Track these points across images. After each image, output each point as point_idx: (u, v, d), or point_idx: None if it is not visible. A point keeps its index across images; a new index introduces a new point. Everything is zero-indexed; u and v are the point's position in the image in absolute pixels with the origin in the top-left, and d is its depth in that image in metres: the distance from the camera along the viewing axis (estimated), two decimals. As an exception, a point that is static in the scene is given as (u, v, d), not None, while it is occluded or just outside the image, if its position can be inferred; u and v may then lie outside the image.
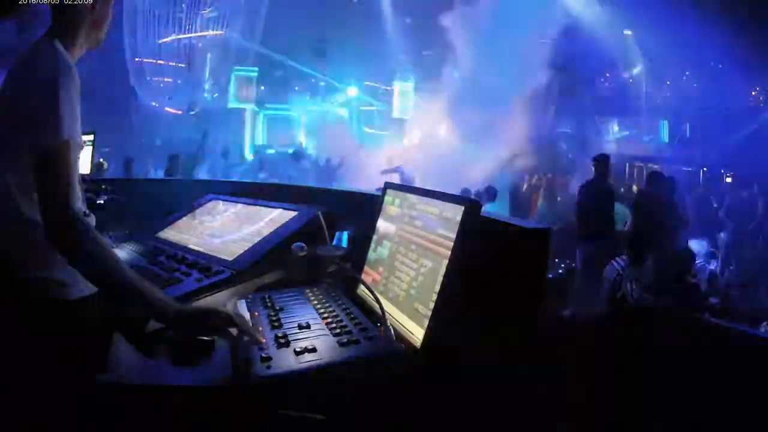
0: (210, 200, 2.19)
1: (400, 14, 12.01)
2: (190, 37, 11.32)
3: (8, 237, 1.20)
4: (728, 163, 13.45)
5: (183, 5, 10.96)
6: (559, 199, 9.68)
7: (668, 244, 5.82)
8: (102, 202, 2.15)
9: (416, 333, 1.10)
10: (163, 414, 0.96)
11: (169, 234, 2.00)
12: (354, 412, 0.96)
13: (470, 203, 1.12)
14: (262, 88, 14.07)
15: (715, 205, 9.05)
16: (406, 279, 1.22)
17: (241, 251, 1.59)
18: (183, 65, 11.48)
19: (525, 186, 10.26)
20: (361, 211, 1.60)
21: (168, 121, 11.85)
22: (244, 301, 1.34)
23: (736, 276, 7.05)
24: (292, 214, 1.74)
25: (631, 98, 14.38)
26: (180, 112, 11.73)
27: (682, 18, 10.36)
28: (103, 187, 2.26)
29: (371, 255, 1.43)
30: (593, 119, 14.61)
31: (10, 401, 1.11)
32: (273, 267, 1.50)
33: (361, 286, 1.33)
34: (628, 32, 13.20)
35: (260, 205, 1.92)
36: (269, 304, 1.30)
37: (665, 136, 14.59)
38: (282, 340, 1.07)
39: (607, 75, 14.60)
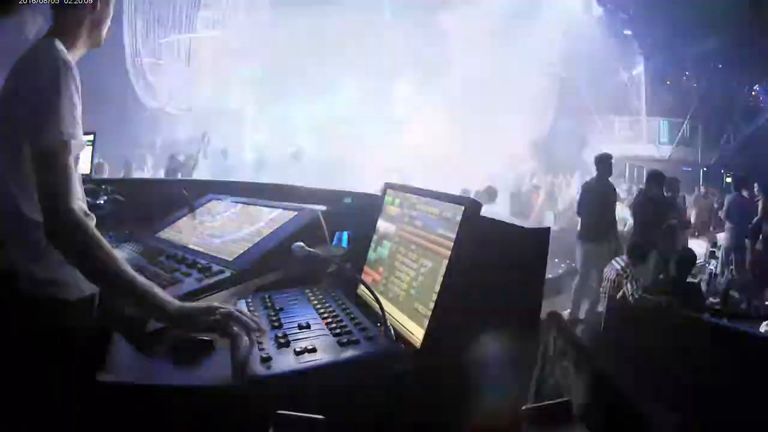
0: (210, 200, 2.19)
1: (400, 14, 12.01)
2: (190, 37, 11.32)
3: (8, 237, 1.20)
4: (728, 163, 13.45)
5: (183, 5, 10.97)
6: (559, 199, 9.68)
7: (668, 245, 5.82)
8: (102, 202, 2.14)
9: (416, 333, 1.10)
10: (163, 414, 0.96)
11: (169, 234, 2.00)
12: (354, 412, 0.96)
13: (470, 203, 1.12)
14: (262, 88, 14.06)
15: (715, 206, 9.06)
16: (406, 279, 1.22)
17: (241, 251, 1.59)
18: (183, 65, 11.48)
19: (525, 186, 10.26)
20: (361, 211, 1.60)
21: (168, 121, 11.86)
22: (244, 301, 1.34)
23: (736, 276, 7.05)
24: (292, 214, 1.74)
25: (631, 98, 14.39)
26: (180, 113, 11.73)
27: (682, 18, 10.36)
28: (103, 187, 2.25)
29: (371, 255, 1.43)
30: (593, 119, 14.62)
31: (10, 401, 1.11)
32: (273, 267, 1.50)
33: (361, 286, 1.33)
34: (627, 32, 13.19)
35: (260, 205, 1.92)
36: (269, 304, 1.30)
37: (665, 136, 14.59)
38: (282, 340, 1.07)
39: (608, 75, 14.60)
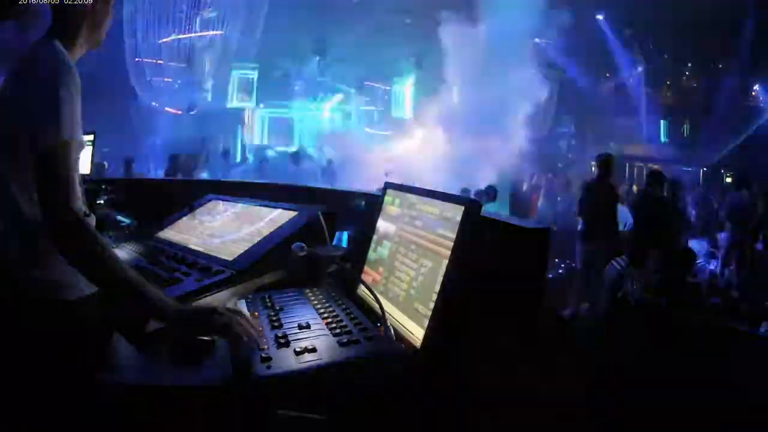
0: (210, 200, 2.19)
1: (401, 14, 12.00)
2: (190, 37, 11.32)
3: (8, 237, 1.20)
4: (728, 163, 13.46)
5: (183, 5, 10.96)
6: (559, 199, 9.68)
7: (668, 244, 5.82)
8: (102, 202, 2.15)
9: (416, 333, 1.10)
10: (163, 414, 0.96)
11: (169, 234, 2.00)
12: (354, 412, 0.96)
13: (470, 203, 1.12)
14: (262, 88, 14.06)
15: (715, 205, 9.06)
16: (406, 279, 1.22)
17: (241, 251, 1.59)
18: (183, 65, 11.48)
19: (525, 186, 10.26)
20: (361, 211, 1.60)
21: (168, 121, 11.85)
22: (244, 301, 1.34)
23: (736, 276, 7.05)
24: (292, 214, 1.74)
25: (631, 98, 14.38)
26: (180, 112, 11.72)
27: (683, 17, 10.36)
28: (103, 187, 2.26)
29: (371, 255, 1.43)
30: (593, 119, 14.62)
31: (10, 401, 1.11)
32: (273, 267, 1.50)
33: (361, 286, 1.33)
34: (627, 32, 13.18)
35: (260, 205, 1.92)
36: (269, 304, 1.30)
37: (665, 136, 14.59)
38: (282, 340, 1.07)
39: (607, 75, 14.60)
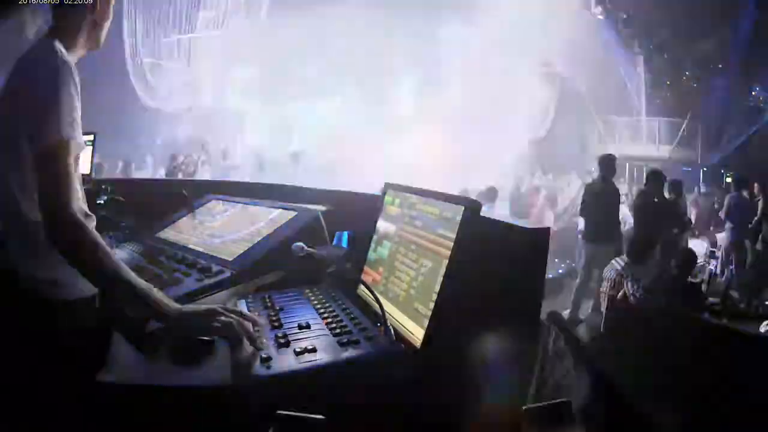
0: (210, 200, 2.19)
1: (401, 14, 12.00)
2: (190, 37, 11.33)
3: (8, 237, 1.20)
4: (728, 163, 13.46)
5: (183, 5, 10.97)
6: (559, 199, 9.68)
7: (668, 245, 5.82)
8: (102, 202, 2.14)
9: (416, 333, 1.10)
10: (163, 414, 0.96)
11: (169, 234, 2.00)
12: (354, 412, 0.96)
13: (470, 203, 1.12)
14: (262, 88, 14.06)
15: (715, 206, 9.07)
16: (406, 279, 1.22)
17: (241, 251, 1.59)
18: (183, 65, 11.49)
19: (525, 186, 10.26)
20: (361, 211, 1.60)
21: (168, 121, 11.86)
22: (244, 301, 1.34)
23: (736, 276, 7.05)
24: (292, 214, 1.74)
25: (631, 98, 14.38)
26: (180, 113, 11.73)
27: (683, 17, 10.36)
28: (103, 187, 2.25)
29: (371, 255, 1.43)
30: (593, 119, 14.62)
31: (10, 401, 1.11)
32: (273, 267, 1.50)
33: (361, 286, 1.33)
34: (626, 32, 13.18)
35: (260, 205, 1.92)
36: (269, 304, 1.30)
37: (665, 136, 14.59)
38: (282, 340, 1.07)
39: (608, 75, 14.60)
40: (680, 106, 14.21)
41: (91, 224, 1.14)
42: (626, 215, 7.01)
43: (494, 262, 1.19)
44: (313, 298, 1.34)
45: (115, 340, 1.14)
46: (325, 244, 1.62)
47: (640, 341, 3.88)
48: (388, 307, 1.19)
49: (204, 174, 8.42)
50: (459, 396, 1.08)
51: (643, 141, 14.50)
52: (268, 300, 1.33)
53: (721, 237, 7.69)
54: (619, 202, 5.96)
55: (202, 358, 1.07)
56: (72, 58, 1.23)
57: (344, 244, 1.72)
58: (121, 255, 1.63)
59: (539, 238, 1.17)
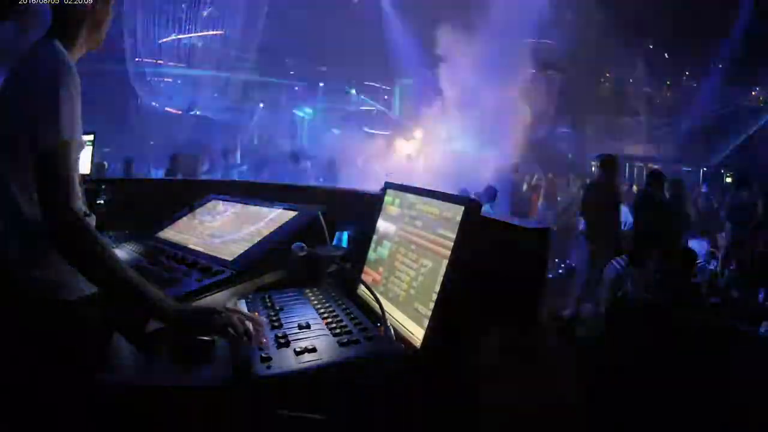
0: (210, 200, 2.19)
1: (401, 14, 12.01)
2: (190, 36, 11.33)
3: (8, 237, 1.20)
4: (728, 163, 13.46)
5: (183, 5, 10.97)
6: (559, 199, 9.68)
7: (669, 244, 5.82)
8: (102, 202, 2.14)
9: (416, 333, 1.10)
10: (163, 414, 0.96)
11: (169, 234, 2.00)
12: (354, 412, 0.96)
13: (470, 203, 1.12)
14: (262, 87, 14.08)
15: (715, 206, 9.06)
16: (406, 279, 1.22)
17: (241, 251, 1.59)
18: (183, 65, 11.49)
19: (525, 186, 10.26)
20: (361, 211, 1.60)
21: (168, 121, 11.85)
22: (244, 301, 1.34)
23: (736, 276, 7.04)
24: (292, 214, 1.74)
25: (631, 98, 14.38)
26: (180, 112, 11.73)
27: (683, 17, 10.36)
28: (103, 187, 2.26)
29: (371, 255, 1.43)
30: (593, 119, 14.62)
31: (10, 401, 1.11)
32: (273, 267, 1.50)
33: (361, 286, 1.33)
34: (626, 33, 13.18)
35: (260, 205, 1.92)
36: (269, 304, 1.30)
37: (665, 136, 14.58)
38: (282, 340, 1.07)
39: (607, 75, 14.60)
40: (680, 106, 14.22)
41: (92, 224, 1.14)
42: (626, 215, 7.01)
43: (494, 262, 1.19)
44: (313, 298, 1.35)
45: (115, 340, 1.14)
46: (325, 244, 1.62)
47: (640, 341, 3.88)
48: (388, 307, 1.19)
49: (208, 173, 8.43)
50: (459, 396, 1.08)
51: (643, 141, 14.49)
52: (268, 300, 1.33)
53: (721, 237, 7.68)
54: (620, 202, 5.95)
55: (202, 358, 1.07)
56: (72, 57, 1.23)
57: (344, 244, 1.72)
58: (121, 255, 1.63)
59: (539, 238, 1.17)
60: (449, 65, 10.29)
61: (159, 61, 11.41)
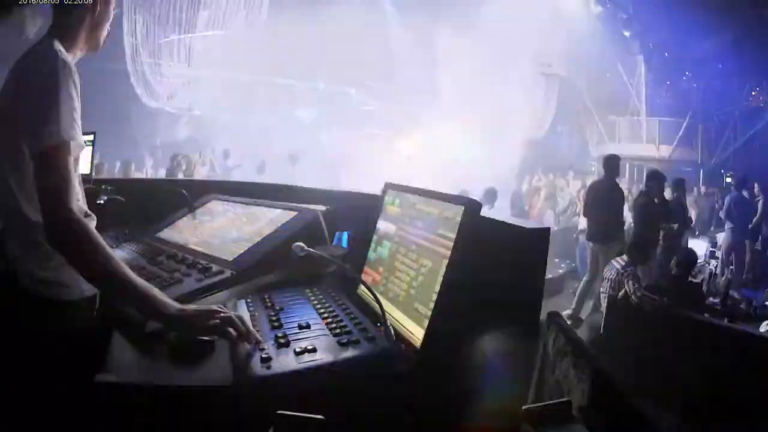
0: (210, 200, 2.19)
1: (401, 14, 12.01)
2: (190, 37, 11.33)
3: (9, 237, 1.20)
4: (728, 163, 13.47)
5: (183, 5, 10.97)
6: (559, 199, 9.68)
7: (669, 244, 5.82)
8: (102, 202, 2.14)
9: (416, 333, 1.10)
10: (162, 414, 0.96)
11: (169, 234, 2.00)
12: (354, 412, 0.96)
13: (470, 203, 1.12)
14: (262, 88, 14.06)
15: (715, 206, 9.07)
16: (406, 279, 1.22)
17: (241, 251, 1.58)
18: (183, 65, 11.48)
19: (525, 186, 10.27)
20: (361, 211, 1.60)
21: (168, 121, 11.85)
22: (244, 301, 1.34)
23: (736, 276, 7.05)
24: (292, 214, 1.74)
25: (631, 98, 14.38)
26: (180, 113, 11.73)
27: (683, 17, 10.36)
28: (103, 187, 2.25)
29: (371, 255, 1.43)
30: (593, 119, 14.62)
31: (10, 401, 1.11)
32: (273, 267, 1.50)
33: (361, 286, 1.33)
34: (627, 33, 13.19)
35: (260, 205, 1.92)
36: (269, 304, 1.30)
37: (665, 136, 14.59)
38: (282, 340, 1.07)
39: (608, 75, 14.60)
40: (680, 106, 14.22)
41: (91, 224, 1.14)
42: (627, 215, 7.01)
43: (494, 262, 1.19)
44: (313, 298, 1.34)
45: (115, 340, 1.14)
46: (325, 244, 1.62)
47: (640, 341, 3.88)
48: (388, 307, 1.19)
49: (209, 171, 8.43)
50: (459, 396, 1.08)
51: (643, 141, 14.50)
52: (268, 300, 1.33)
53: (721, 237, 7.69)
54: (623, 202, 5.95)
55: (202, 358, 1.07)
56: (72, 58, 1.23)
57: (344, 244, 1.72)
58: (121, 255, 1.63)
59: (539, 238, 1.17)
60: (449, 65, 10.29)
61: (159, 61, 11.41)
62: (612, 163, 5.83)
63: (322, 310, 1.25)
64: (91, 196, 1.78)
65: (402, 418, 1.01)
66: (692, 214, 8.52)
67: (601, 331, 4.56)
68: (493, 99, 9.72)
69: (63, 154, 1.13)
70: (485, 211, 1.19)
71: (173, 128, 11.64)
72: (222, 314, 1.10)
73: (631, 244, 4.85)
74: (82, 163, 1.36)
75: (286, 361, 1.00)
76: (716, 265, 7.25)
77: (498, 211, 6.54)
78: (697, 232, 7.96)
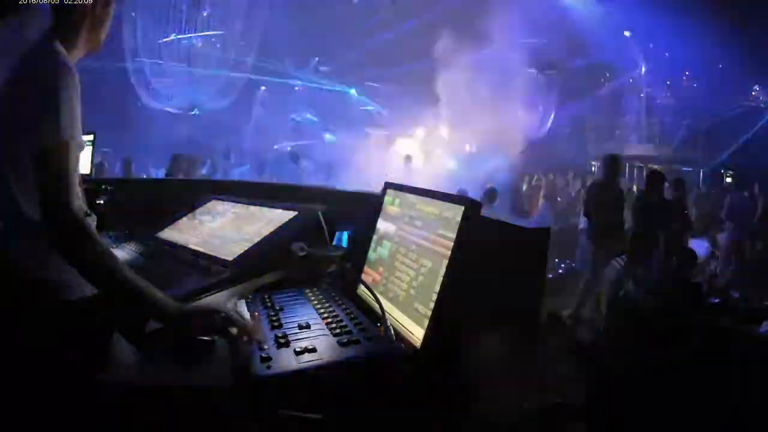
0: (210, 200, 2.19)
1: (401, 15, 12.01)
2: (190, 37, 11.33)
3: (9, 237, 1.20)
4: (728, 163, 13.47)
5: (183, 5, 10.97)
6: (559, 199, 9.69)
7: (669, 244, 5.82)
8: (102, 202, 2.14)
9: (416, 333, 1.10)
10: (163, 414, 0.96)
11: (169, 234, 2.00)
12: (354, 412, 0.96)
13: (470, 203, 1.12)
14: (263, 88, 14.09)
15: (716, 206, 9.06)
16: (406, 279, 1.22)
17: (241, 251, 1.58)
18: (183, 65, 11.49)
19: (525, 186, 10.27)
20: (361, 211, 1.60)
21: (168, 121, 11.86)
22: (244, 301, 1.34)
23: (736, 276, 7.04)
24: (292, 214, 1.74)
25: (631, 98, 14.39)
26: (180, 113, 11.73)
27: (683, 17, 10.36)
28: (103, 187, 2.25)
29: (371, 255, 1.43)
30: (593, 119, 14.62)
31: (10, 401, 1.11)
32: (273, 267, 1.50)
33: (361, 286, 1.33)
34: (627, 33, 13.20)
35: (260, 205, 1.92)
36: (269, 304, 1.30)
37: (665, 136, 14.59)
38: (282, 340, 1.07)
39: (608, 75, 14.61)
40: (680, 106, 14.23)
41: (92, 224, 1.14)
42: (627, 215, 7.01)
43: (494, 262, 1.19)
44: (313, 298, 1.35)
45: (115, 340, 1.14)
46: (325, 244, 1.62)
47: (640, 341, 3.88)
48: (388, 307, 1.19)
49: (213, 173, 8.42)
50: (459, 396, 1.08)
51: (643, 141, 14.50)
52: (268, 300, 1.33)
53: (721, 237, 7.68)
54: (623, 202, 5.95)
55: (202, 358, 1.07)
56: (72, 58, 1.23)
57: (344, 244, 1.72)
58: (121, 255, 1.63)
59: (539, 238, 1.17)
60: (449, 65, 10.29)
61: (159, 61, 11.41)
62: (612, 163, 5.82)
63: (322, 310, 1.25)
64: (91, 196, 1.78)
65: (402, 418, 1.01)
66: (692, 214, 8.52)
67: (601, 331, 4.56)
68: (493, 99, 9.71)
69: (63, 154, 1.13)
70: (485, 211, 1.19)
71: (173, 128, 11.63)
72: (222, 314, 1.10)
73: (631, 244, 4.85)
74: (82, 163, 1.36)
75: (286, 361, 1.00)
76: (716, 265, 7.25)
77: (498, 211, 6.54)
78: (697, 232, 7.96)
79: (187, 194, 2.17)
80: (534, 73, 11.07)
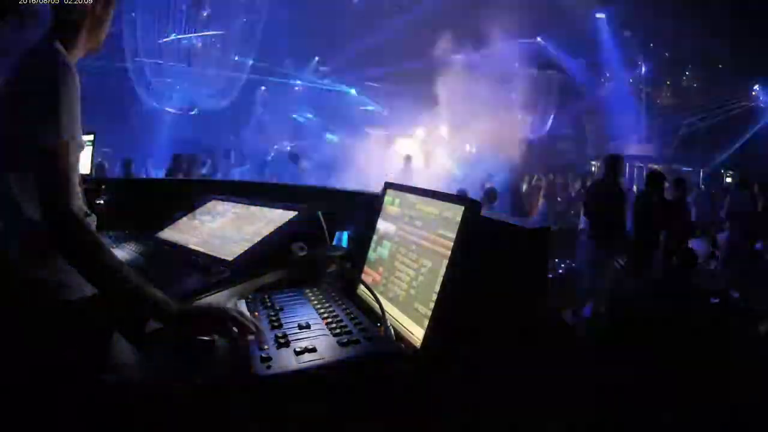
0: (210, 200, 2.19)
1: (401, 15, 12.01)
2: (190, 37, 11.33)
3: (8, 237, 1.20)
4: (728, 163, 13.48)
5: (183, 5, 10.97)
6: (559, 199, 9.68)
7: (669, 244, 5.82)
8: (102, 202, 2.15)
9: (416, 333, 1.10)
10: (163, 414, 0.96)
11: (169, 234, 2.00)
12: (354, 412, 0.96)
13: (470, 203, 1.12)
14: (263, 88, 14.08)
15: (716, 206, 9.06)
16: (406, 279, 1.22)
17: (241, 251, 1.59)
18: (183, 65, 11.48)
19: (525, 187, 10.27)
20: (361, 211, 1.60)
21: (168, 121, 11.86)
22: (244, 301, 1.34)
23: (735, 276, 7.04)
24: (292, 214, 1.74)
25: (631, 98, 14.39)
26: (180, 113, 11.73)
27: (683, 18, 10.36)
28: (103, 187, 2.26)
29: (371, 255, 1.43)
30: (593, 119, 14.62)
31: (10, 401, 1.11)
32: (273, 267, 1.50)
33: (361, 286, 1.33)
34: (627, 33, 13.20)
35: (260, 205, 1.92)
36: (269, 304, 1.30)
37: (665, 136, 14.59)
38: (282, 340, 1.07)
39: (608, 75, 14.61)
40: (680, 106, 14.23)
41: (92, 224, 1.14)
42: (627, 215, 7.00)
43: (494, 262, 1.19)
44: (313, 298, 1.34)
45: (115, 340, 1.14)
46: (325, 244, 1.62)
47: (640, 341, 3.88)
48: (388, 307, 1.19)
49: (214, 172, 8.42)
50: (459, 396, 1.08)
51: (643, 141, 14.49)
52: (268, 300, 1.33)
53: (721, 237, 7.68)
54: (623, 203, 5.94)
55: (202, 358, 1.07)
56: (72, 58, 1.23)
57: (344, 244, 1.72)
58: (121, 255, 1.63)
59: (539, 238, 1.17)
60: (450, 65, 10.29)
61: (159, 61, 11.41)
62: (613, 163, 5.82)
63: (322, 310, 1.25)
64: (91, 196, 1.78)
65: (402, 418, 1.01)
66: (692, 213, 8.52)
67: (601, 331, 4.56)
68: (493, 99, 9.72)
69: (63, 154, 1.13)
70: (485, 211, 1.19)
71: (173, 128, 11.63)
72: (221, 314, 1.10)
73: (632, 244, 4.85)
74: (82, 163, 1.36)
75: (286, 361, 1.00)
76: (716, 265, 7.25)
77: (498, 211, 6.54)
78: (697, 232, 7.95)
79: (187, 194, 2.17)
80: (534, 73, 11.06)
